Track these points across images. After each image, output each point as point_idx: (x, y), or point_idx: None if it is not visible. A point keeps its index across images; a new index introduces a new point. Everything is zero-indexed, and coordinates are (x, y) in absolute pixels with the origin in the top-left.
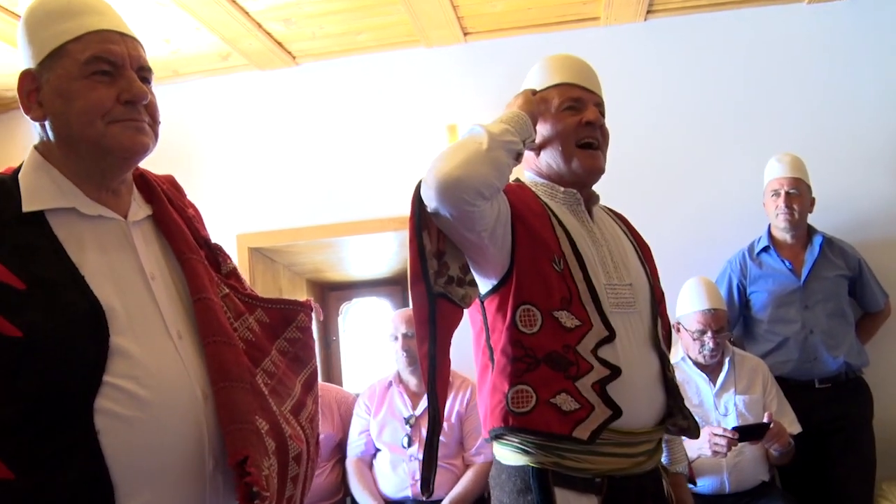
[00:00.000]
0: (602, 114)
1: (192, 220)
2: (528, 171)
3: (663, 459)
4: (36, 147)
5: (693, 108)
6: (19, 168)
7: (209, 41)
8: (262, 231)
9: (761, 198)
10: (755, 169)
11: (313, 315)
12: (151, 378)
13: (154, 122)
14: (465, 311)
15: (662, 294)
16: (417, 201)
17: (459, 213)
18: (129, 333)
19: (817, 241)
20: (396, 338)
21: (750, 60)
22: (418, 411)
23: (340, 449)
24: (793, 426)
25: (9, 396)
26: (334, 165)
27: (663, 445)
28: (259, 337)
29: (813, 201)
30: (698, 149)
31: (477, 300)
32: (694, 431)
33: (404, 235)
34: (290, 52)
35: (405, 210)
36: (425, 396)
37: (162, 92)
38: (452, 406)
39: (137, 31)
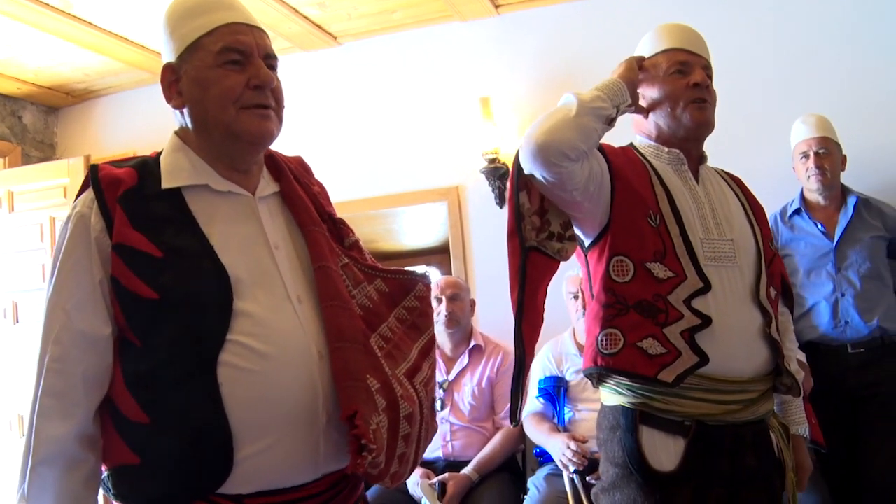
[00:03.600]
0: (710, 76)
1: (318, 197)
2: (638, 134)
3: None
4: (176, 132)
5: (722, 73)
6: (161, 151)
7: None
8: None
9: (791, 162)
10: (786, 133)
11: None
12: (270, 336)
13: (279, 106)
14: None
15: (774, 253)
16: (517, 165)
17: (550, 174)
18: (252, 297)
19: (851, 201)
20: (440, 300)
21: (780, 21)
22: (451, 376)
23: None
24: None
25: (146, 351)
26: (377, 140)
27: (777, 405)
28: (377, 304)
29: (844, 159)
30: (733, 114)
31: (582, 254)
32: (795, 390)
33: (449, 205)
34: (330, 34)
35: (446, 181)
36: (459, 361)
37: None
38: (483, 371)
39: None
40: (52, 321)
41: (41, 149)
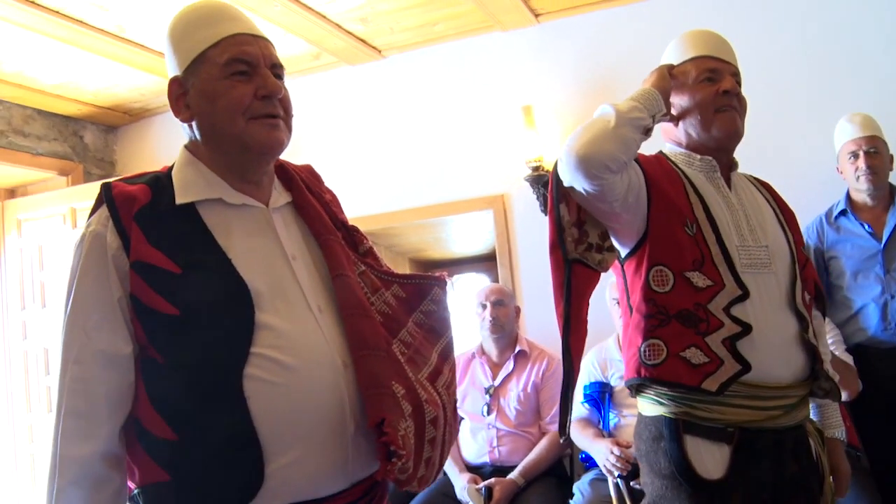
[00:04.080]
0: (738, 83)
1: (330, 205)
2: (668, 142)
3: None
4: (186, 146)
5: (763, 77)
6: (172, 166)
7: (298, 44)
8: (359, 216)
9: (834, 163)
10: (828, 134)
11: (448, 288)
12: (294, 347)
13: (288, 115)
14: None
15: (806, 258)
16: (555, 177)
17: (591, 185)
18: (273, 309)
19: None
20: (485, 306)
21: (820, 22)
22: (497, 381)
23: None
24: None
25: (169, 367)
26: (423, 151)
27: (813, 409)
28: (395, 310)
29: (892, 158)
30: (769, 117)
31: (618, 265)
32: (835, 395)
33: (495, 213)
34: (375, 47)
35: (491, 189)
36: (505, 367)
37: None
38: (529, 376)
39: None
40: (71, 341)
41: (101, 166)
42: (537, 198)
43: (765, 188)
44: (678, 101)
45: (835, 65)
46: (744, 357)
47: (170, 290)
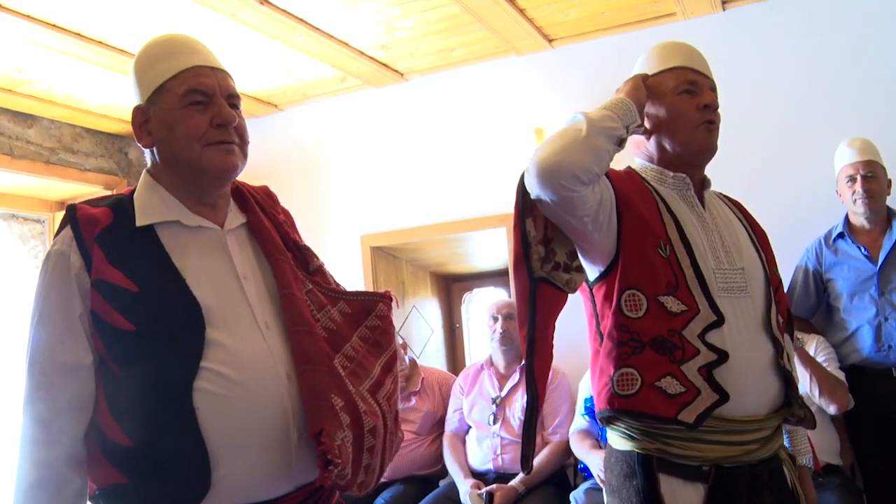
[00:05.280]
0: (716, 98)
1: (283, 225)
2: (638, 156)
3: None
4: (147, 170)
5: (772, 96)
6: (135, 189)
7: (324, 69)
8: (381, 231)
9: (832, 186)
10: (827, 157)
11: (392, 305)
12: (241, 362)
13: (243, 142)
14: (573, 296)
15: (779, 280)
16: (521, 189)
17: (559, 198)
18: (223, 326)
19: None
20: (496, 318)
21: (829, 44)
22: (504, 392)
23: (441, 425)
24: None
25: (126, 379)
26: (440, 169)
27: (784, 436)
28: (340, 325)
29: (890, 183)
30: (775, 139)
31: (587, 288)
32: (810, 422)
33: (507, 230)
34: (397, 71)
35: (504, 207)
36: (511, 378)
37: (294, 113)
38: None
39: (259, 66)
40: (35, 353)
41: None
42: None
43: (736, 207)
44: (653, 111)
45: (838, 88)
46: (721, 386)
47: (127, 307)
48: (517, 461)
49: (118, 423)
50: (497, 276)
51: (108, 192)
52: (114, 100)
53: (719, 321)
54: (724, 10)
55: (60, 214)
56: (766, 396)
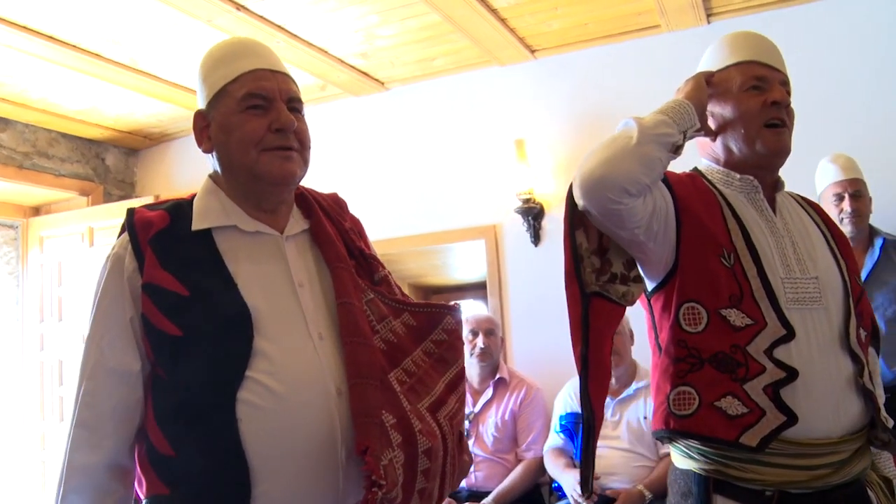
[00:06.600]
0: (788, 93)
1: (348, 233)
2: (703, 157)
3: None
4: (210, 175)
5: None
6: (196, 194)
7: (303, 76)
8: None
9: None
10: (808, 173)
11: (460, 317)
12: (287, 374)
13: (303, 148)
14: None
15: (861, 290)
16: (570, 201)
17: (605, 212)
18: (272, 335)
19: (878, 242)
20: (476, 333)
21: (812, 60)
22: (477, 408)
23: None
24: None
25: (171, 385)
26: (420, 179)
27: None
28: (402, 338)
29: (870, 200)
30: None
31: (645, 298)
32: (893, 445)
33: (487, 243)
34: (377, 80)
35: (484, 220)
36: (485, 394)
37: None
38: (507, 404)
39: None
40: (87, 357)
41: (122, 188)
42: (527, 229)
43: (814, 209)
44: (718, 111)
45: (821, 102)
46: (789, 407)
47: (176, 311)
48: (490, 478)
49: (162, 431)
50: (476, 289)
51: (83, 198)
52: (91, 104)
53: (789, 335)
54: (708, 23)
55: (35, 220)
56: (842, 418)
